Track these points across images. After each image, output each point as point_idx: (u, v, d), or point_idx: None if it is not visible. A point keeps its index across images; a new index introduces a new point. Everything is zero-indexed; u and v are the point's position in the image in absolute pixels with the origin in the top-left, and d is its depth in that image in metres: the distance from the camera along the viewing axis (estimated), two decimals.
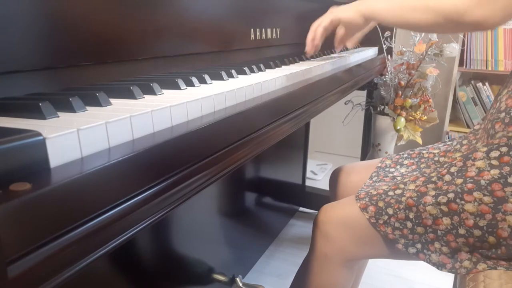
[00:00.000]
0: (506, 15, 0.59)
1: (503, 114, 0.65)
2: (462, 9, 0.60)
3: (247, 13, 0.88)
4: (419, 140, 1.59)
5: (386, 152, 1.65)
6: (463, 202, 0.60)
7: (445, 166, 0.65)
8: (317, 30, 0.86)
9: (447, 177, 0.63)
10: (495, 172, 0.59)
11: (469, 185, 0.60)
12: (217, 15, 0.77)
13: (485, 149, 0.62)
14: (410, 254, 0.66)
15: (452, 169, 0.63)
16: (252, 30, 0.89)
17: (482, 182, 0.59)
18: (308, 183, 1.86)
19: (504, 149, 0.60)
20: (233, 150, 0.47)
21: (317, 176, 2.18)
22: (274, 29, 0.98)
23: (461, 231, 0.60)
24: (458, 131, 2.09)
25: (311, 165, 2.29)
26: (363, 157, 1.82)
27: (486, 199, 0.58)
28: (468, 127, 2.11)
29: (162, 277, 0.89)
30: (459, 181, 0.61)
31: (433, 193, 0.63)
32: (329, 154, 2.59)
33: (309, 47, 0.87)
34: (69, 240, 0.27)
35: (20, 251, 0.24)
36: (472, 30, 0.65)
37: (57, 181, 0.26)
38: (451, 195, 0.61)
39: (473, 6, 0.59)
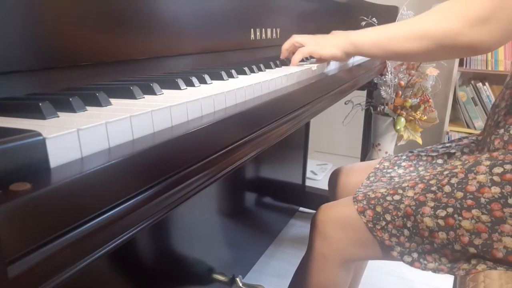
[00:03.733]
0: (501, 37, 0.55)
1: (502, 131, 0.64)
2: (456, 31, 0.56)
3: (247, 13, 0.88)
4: (419, 140, 1.59)
5: (386, 152, 1.66)
6: (460, 218, 0.59)
7: (445, 174, 0.64)
8: (294, 57, 0.79)
9: (447, 188, 0.61)
10: (495, 190, 0.57)
11: (469, 202, 0.59)
12: (217, 15, 0.77)
13: (488, 163, 0.60)
14: (405, 262, 0.65)
15: (453, 180, 0.62)
16: (252, 30, 0.89)
17: (482, 200, 0.58)
18: (308, 183, 1.86)
19: (508, 166, 0.58)
20: (233, 150, 0.47)
21: (317, 176, 2.18)
22: (274, 29, 0.98)
23: (457, 247, 0.60)
24: (458, 131, 2.09)
25: (311, 165, 2.29)
26: (363, 157, 1.82)
27: (484, 217, 0.57)
28: (468, 127, 2.11)
29: (162, 277, 0.89)
30: (459, 194, 0.60)
31: (432, 204, 0.62)
32: (329, 154, 2.59)
33: (283, 56, 0.85)
34: (69, 240, 0.27)
35: (20, 251, 0.24)
36: (466, 54, 0.60)
37: (57, 181, 0.26)
38: (450, 210, 0.60)
39: (467, 28, 0.55)
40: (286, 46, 0.84)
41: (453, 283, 0.78)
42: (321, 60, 0.82)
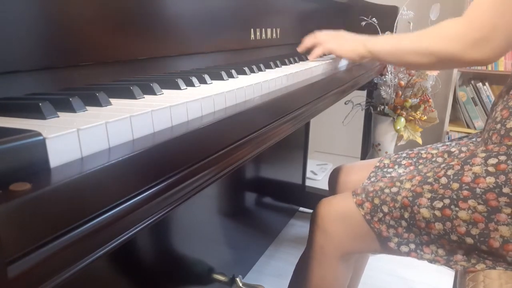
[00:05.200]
0: (501, 51, 0.60)
1: (499, 125, 0.65)
2: (459, 53, 0.61)
3: (247, 13, 0.88)
4: (419, 140, 1.59)
5: (386, 152, 1.65)
6: (457, 209, 0.60)
7: (442, 166, 0.65)
8: (315, 51, 0.88)
9: (443, 180, 0.63)
10: (490, 180, 0.58)
11: (465, 192, 0.60)
12: (217, 15, 0.77)
13: (483, 154, 0.61)
14: (402, 253, 0.66)
15: (449, 172, 0.63)
16: (252, 30, 0.89)
17: (478, 190, 0.59)
18: (308, 183, 1.86)
19: (502, 157, 0.59)
20: (233, 150, 0.47)
21: (317, 176, 2.18)
22: (274, 29, 0.98)
23: (453, 237, 0.60)
24: (458, 131, 2.09)
25: (311, 165, 2.29)
26: (363, 157, 1.82)
27: (480, 207, 0.58)
28: (468, 127, 2.11)
29: (162, 277, 0.89)
30: (455, 185, 0.61)
31: (428, 195, 0.63)
32: (329, 154, 2.59)
33: (301, 49, 0.93)
34: (69, 240, 0.27)
35: (20, 251, 0.24)
36: (472, 66, 0.68)
37: (57, 181, 0.26)
38: (446, 201, 0.61)
39: (468, 49, 0.60)
40: (308, 43, 0.91)
41: (453, 283, 0.78)
42: (339, 57, 0.91)
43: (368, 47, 0.79)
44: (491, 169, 0.59)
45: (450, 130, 2.10)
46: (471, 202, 0.59)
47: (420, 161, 0.82)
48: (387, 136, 1.63)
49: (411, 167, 0.82)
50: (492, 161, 0.60)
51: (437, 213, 0.61)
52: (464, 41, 0.60)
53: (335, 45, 0.85)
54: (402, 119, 1.56)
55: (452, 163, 0.64)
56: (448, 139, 2.09)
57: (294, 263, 0.85)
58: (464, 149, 0.78)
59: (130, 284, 0.80)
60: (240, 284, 1.09)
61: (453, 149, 0.80)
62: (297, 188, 1.77)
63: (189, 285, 1.02)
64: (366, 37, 0.83)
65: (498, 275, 0.57)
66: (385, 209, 0.66)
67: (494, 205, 0.57)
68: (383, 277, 1.38)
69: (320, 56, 0.94)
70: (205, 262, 1.07)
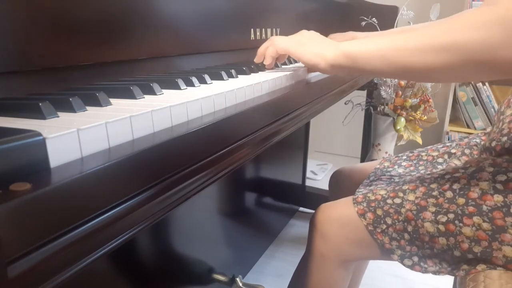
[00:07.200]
0: None
1: (505, 138, 0.64)
2: (496, 44, 0.43)
3: (247, 13, 0.88)
4: (419, 140, 1.59)
5: (386, 152, 1.65)
6: (461, 224, 0.58)
7: (446, 178, 0.63)
8: (267, 52, 0.68)
9: (449, 194, 0.61)
10: (498, 198, 0.56)
11: (471, 209, 0.58)
12: (217, 15, 0.77)
13: (491, 169, 0.59)
14: (405, 266, 0.65)
15: (455, 186, 0.61)
16: (252, 30, 0.89)
17: (484, 207, 0.57)
18: (308, 183, 1.86)
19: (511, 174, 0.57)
20: (233, 150, 0.47)
21: (317, 176, 2.18)
22: (274, 29, 0.98)
23: (456, 253, 0.59)
24: (458, 131, 2.09)
25: (311, 165, 2.29)
26: (363, 157, 1.82)
27: (485, 225, 0.56)
28: (468, 127, 2.11)
29: (162, 277, 0.89)
30: (461, 201, 0.59)
31: (433, 209, 0.61)
32: (329, 154, 2.59)
33: (260, 60, 0.71)
34: (69, 240, 0.27)
35: (20, 251, 0.24)
36: (502, 73, 0.46)
37: (57, 181, 0.26)
38: (451, 216, 0.59)
39: (510, 40, 0.42)
40: (262, 49, 0.70)
41: (453, 283, 0.78)
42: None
43: (343, 50, 0.58)
44: (499, 186, 0.57)
45: (450, 130, 2.10)
46: (476, 219, 0.57)
47: (421, 162, 0.82)
48: (387, 136, 1.63)
49: (411, 168, 0.82)
50: (501, 177, 0.58)
51: (441, 227, 0.60)
52: (508, 27, 0.42)
53: (292, 44, 0.64)
54: (402, 119, 1.56)
55: (457, 174, 0.62)
56: (448, 139, 2.09)
57: (294, 263, 0.85)
58: (467, 151, 0.77)
59: (130, 284, 0.80)
60: (240, 284, 1.09)
61: (453, 150, 0.80)
62: (297, 188, 1.77)
63: (189, 285, 1.02)
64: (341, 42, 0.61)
65: (498, 275, 0.57)
66: (389, 221, 0.65)
67: (500, 224, 0.56)
68: (384, 277, 1.38)
69: (280, 64, 0.74)
70: (205, 262, 1.07)
